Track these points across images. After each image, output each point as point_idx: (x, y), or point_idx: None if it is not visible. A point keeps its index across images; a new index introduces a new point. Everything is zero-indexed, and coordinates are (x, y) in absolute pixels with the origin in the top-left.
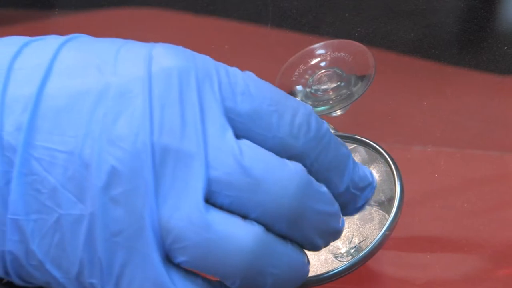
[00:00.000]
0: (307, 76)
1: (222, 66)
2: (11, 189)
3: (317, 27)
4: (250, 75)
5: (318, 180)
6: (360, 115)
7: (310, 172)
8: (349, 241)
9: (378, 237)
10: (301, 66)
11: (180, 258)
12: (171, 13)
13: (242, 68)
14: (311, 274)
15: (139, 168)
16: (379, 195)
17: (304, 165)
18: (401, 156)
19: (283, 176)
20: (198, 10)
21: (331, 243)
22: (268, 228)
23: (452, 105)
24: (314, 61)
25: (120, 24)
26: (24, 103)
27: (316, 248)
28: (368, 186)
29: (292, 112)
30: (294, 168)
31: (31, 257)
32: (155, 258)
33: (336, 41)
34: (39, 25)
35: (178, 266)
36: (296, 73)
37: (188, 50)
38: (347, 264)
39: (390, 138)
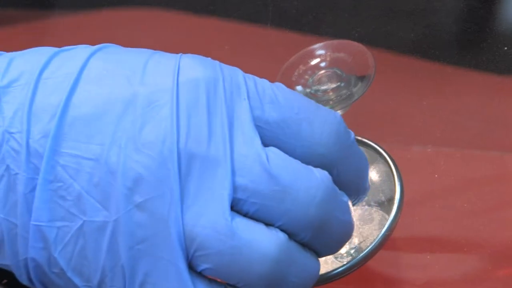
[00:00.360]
0: (307, 77)
1: (250, 77)
2: (35, 195)
3: (317, 27)
4: (279, 85)
5: (340, 189)
6: (360, 115)
7: (335, 181)
8: (349, 241)
9: (378, 237)
10: (301, 66)
11: (203, 266)
12: (171, 13)
13: (242, 68)
14: None
15: (165, 175)
16: (379, 196)
17: (331, 174)
18: (401, 156)
19: (310, 184)
20: (198, 10)
21: None
22: (292, 236)
23: (452, 105)
24: (314, 62)
25: (120, 24)
26: (52, 112)
27: (329, 254)
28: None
29: (322, 120)
30: (321, 177)
31: (53, 265)
32: (180, 266)
33: (336, 41)
34: (39, 25)
35: (201, 275)
36: (296, 73)
37: (216, 61)
38: (347, 265)
39: (390, 138)
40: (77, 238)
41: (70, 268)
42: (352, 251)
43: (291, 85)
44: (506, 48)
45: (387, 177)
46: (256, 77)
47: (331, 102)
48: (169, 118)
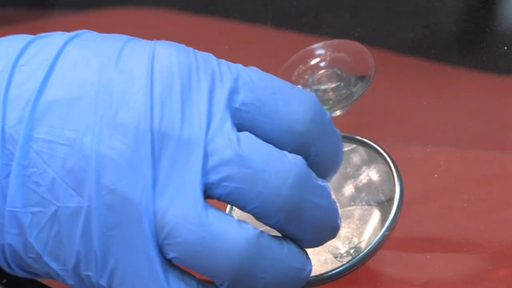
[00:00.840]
0: (306, 76)
1: (223, 62)
2: (10, 181)
3: (317, 27)
4: (253, 68)
5: (318, 174)
6: (360, 115)
7: (312, 164)
8: (349, 241)
9: (377, 237)
10: (300, 66)
11: (171, 254)
12: (171, 13)
13: None
14: (311, 274)
15: (137, 161)
16: (379, 195)
17: (308, 156)
18: (401, 156)
19: (282, 167)
20: (198, 10)
21: (331, 244)
22: (265, 219)
23: (452, 105)
24: (313, 61)
25: (120, 24)
26: (27, 98)
27: (313, 244)
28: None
29: (298, 99)
30: (294, 160)
31: (29, 250)
32: (151, 254)
33: (335, 41)
34: (39, 25)
35: (173, 264)
36: (295, 73)
37: (190, 48)
38: (347, 264)
39: (390, 138)
40: (52, 224)
41: (46, 252)
42: (351, 251)
43: None
44: (506, 48)
45: (387, 177)
46: (229, 62)
47: (331, 102)
48: (143, 104)
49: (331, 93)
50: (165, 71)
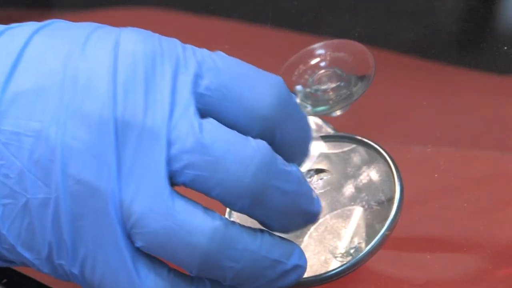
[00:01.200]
0: (307, 76)
1: (189, 47)
2: None
3: (317, 27)
4: (219, 53)
5: (285, 159)
6: (360, 115)
7: (278, 149)
8: (349, 241)
9: (377, 237)
10: (301, 66)
11: (138, 243)
12: (171, 13)
13: None
14: (311, 274)
15: (102, 150)
16: (379, 195)
17: (274, 140)
18: (401, 156)
19: (245, 154)
20: (198, 10)
21: (331, 244)
22: (230, 205)
23: (452, 105)
24: (314, 61)
25: (120, 24)
26: None
27: (283, 230)
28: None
29: (263, 83)
30: (257, 146)
31: (3, 241)
32: (119, 243)
33: (336, 41)
34: None
35: (144, 253)
36: (296, 73)
37: (156, 34)
38: (347, 264)
39: (390, 138)
40: (23, 215)
41: (19, 243)
42: (351, 251)
43: (291, 85)
44: (506, 48)
45: (387, 177)
46: (195, 47)
47: (331, 102)
48: (106, 93)
49: (331, 93)
50: (129, 59)
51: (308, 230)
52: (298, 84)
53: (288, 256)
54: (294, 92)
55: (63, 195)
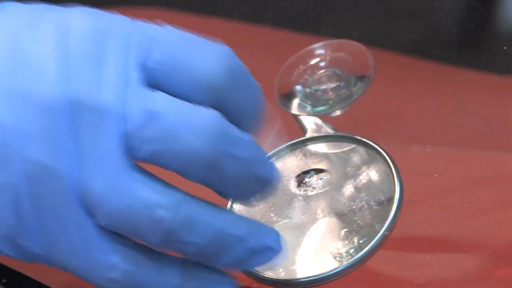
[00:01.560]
0: (306, 76)
1: (138, 23)
2: None
3: (317, 27)
4: (168, 27)
5: (239, 127)
6: (360, 115)
7: (231, 118)
8: (349, 241)
9: (377, 237)
10: (300, 66)
11: (101, 222)
12: (171, 13)
13: None
14: (311, 274)
15: (56, 131)
16: (379, 195)
17: (227, 110)
18: (401, 156)
19: (198, 123)
20: (198, 10)
21: (331, 244)
22: (187, 175)
23: (452, 105)
24: (313, 61)
25: None
26: None
27: (243, 197)
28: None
29: (212, 53)
30: (207, 115)
31: None
32: (81, 223)
33: (335, 41)
34: None
35: (109, 232)
36: (295, 73)
37: (106, 12)
38: (347, 264)
39: (389, 138)
40: None
41: None
42: (351, 251)
43: (290, 85)
44: (506, 48)
45: (387, 177)
46: (143, 22)
47: (330, 102)
48: (57, 73)
49: (331, 93)
50: (78, 37)
51: (308, 230)
52: (298, 84)
53: (258, 236)
54: (293, 92)
55: (22, 179)
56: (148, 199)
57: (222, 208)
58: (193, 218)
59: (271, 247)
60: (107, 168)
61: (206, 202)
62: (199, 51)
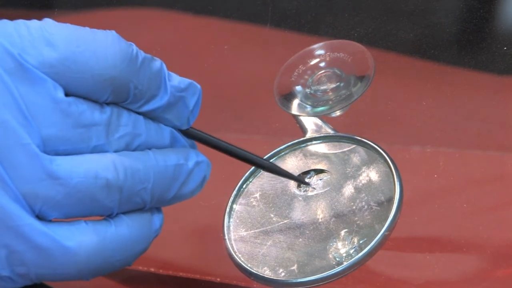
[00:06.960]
0: (306, 77)
1: (22, 24)
2: None
3: (317, 27)
4: (48, 22)
5: (142, 95)
6: (360, 115)
7: (136, 98)
8: (349, 241)
9: (377, 237)
10: (300, 66)
11: (52, 215)
12: (171, 13)
13: (242, 68)
14: (311, 274)
15: None
16: (379, 195)
17: (129, 93)
18: (401, 157)
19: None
20: (198, 10)
21: (331, 244)
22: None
23: (451, 105)
24: (313, 62)
25: (120, 24)
26: None
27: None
28: (190, 85)
29: (102, 45)
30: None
31: None
32: (32, 225)
33: (335, 41)
34: None
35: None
36: (295, 73)
37: None
38: (347, 264)
39: (389, 138)
40: None
41: None
42: (351, 251)
43: (290, 85)
44: (505, 48)
45: (387, 177)
46: (27, 22)
47: (330, 102)
48: None
49: (330, 94)
50: None
51: (308, 230)
52: (298, 84)
53: (186, 157)
54: (293, 92)
55: None
56: (88, 171)
57: (145, 150)
58: (132, 169)
59: (200, 161)
60: (36, 172)
61: (132, 152)
62: (90, 46)
